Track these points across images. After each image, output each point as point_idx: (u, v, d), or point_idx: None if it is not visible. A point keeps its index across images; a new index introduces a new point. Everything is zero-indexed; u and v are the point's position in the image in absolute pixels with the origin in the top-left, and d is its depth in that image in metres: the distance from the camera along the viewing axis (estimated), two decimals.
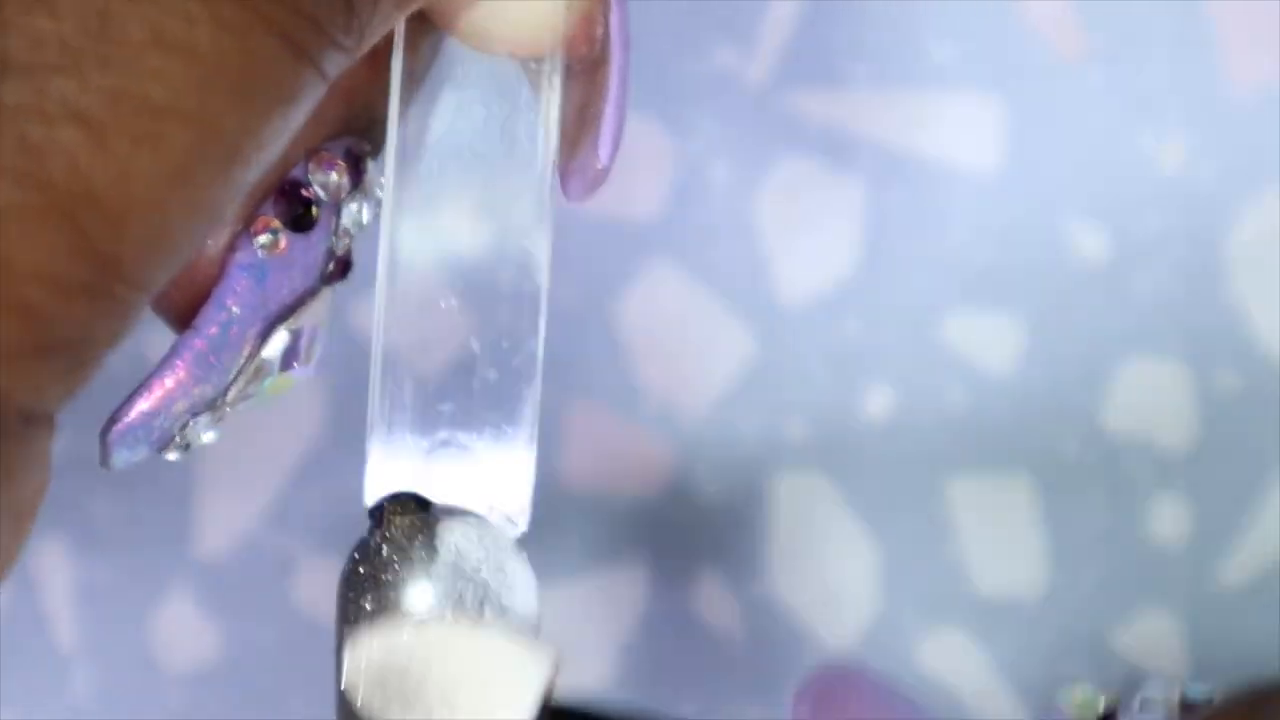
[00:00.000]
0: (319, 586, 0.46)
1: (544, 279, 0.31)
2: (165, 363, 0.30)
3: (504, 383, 0.32)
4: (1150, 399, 0.45)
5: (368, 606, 0.31)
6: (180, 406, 0.30)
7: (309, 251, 0.30)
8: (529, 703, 0.31)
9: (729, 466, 0.46)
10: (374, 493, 0.31)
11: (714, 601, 0.46)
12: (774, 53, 0.46)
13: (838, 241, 0.46)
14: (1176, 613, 0.45)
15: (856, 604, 0.45)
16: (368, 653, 0.31)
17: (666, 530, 0.46)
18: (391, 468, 0.31)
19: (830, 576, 0.45)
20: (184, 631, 0.46)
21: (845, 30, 0.46)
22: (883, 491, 0.45)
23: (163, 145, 0.25)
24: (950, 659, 0.45)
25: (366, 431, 0.31)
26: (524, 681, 0.31)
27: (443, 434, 0.31)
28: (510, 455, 0.32)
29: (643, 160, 0.46)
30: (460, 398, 0.31)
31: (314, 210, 0.30)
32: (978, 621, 0.45)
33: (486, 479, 0.32)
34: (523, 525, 0.32)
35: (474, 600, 0.31)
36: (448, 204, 0.31)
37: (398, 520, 0.31)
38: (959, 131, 0.45)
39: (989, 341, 0.45)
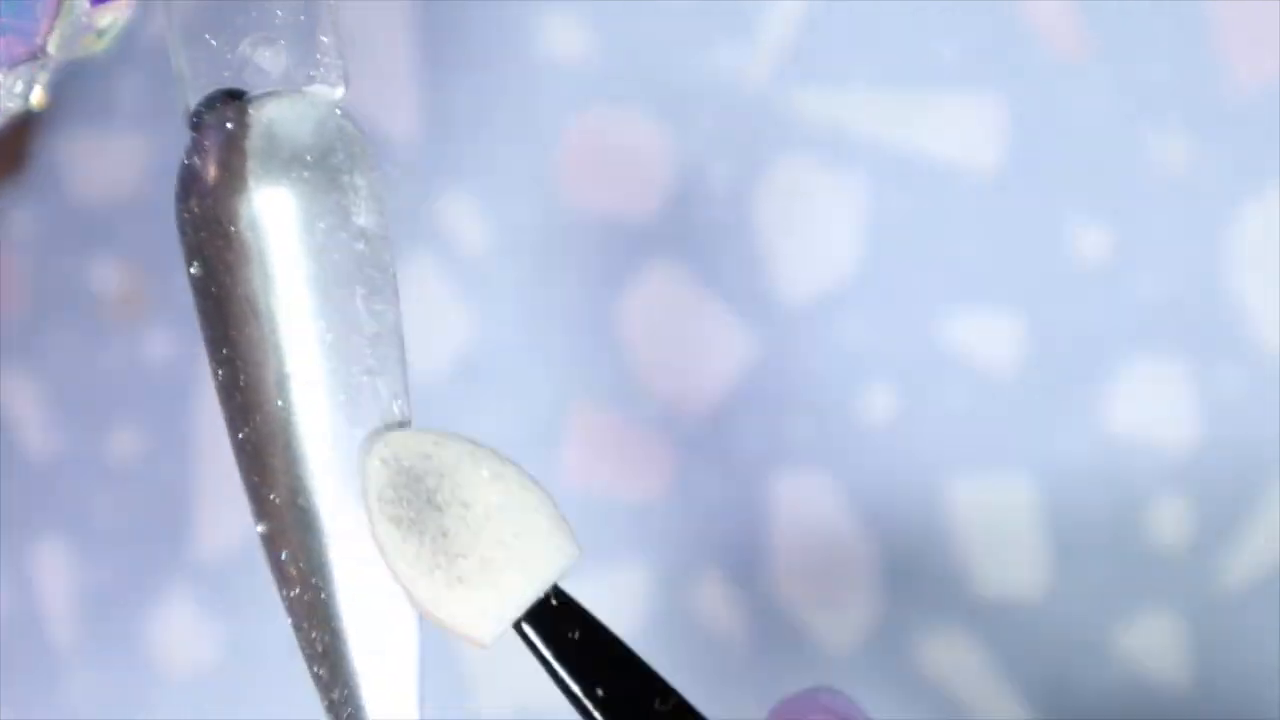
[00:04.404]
0: None
1: None
2: None
3: None
4: (1151, 399, 0.45)
5: (195, 209, 0.30)
6: None
7: None
8: (554, 569, 0.30)
9: (729, 466, 0.46)
10: (187, 103, 0.30)
11: (714, 601, 0.46)
12: (774, 53, 0.46)
13: (838, 241, 0.46)
14: (1178, 613, 0.45)
15: (856, 604, 0.45)
16: (394, 449, 0.30)
17: (666, 530, 0.46)
18: (200, 74, 0.30)
19: (830, 576, 0.45)
20: (183, 632, 0.46)
21: (845, 30, 0.46)
22: (883, 491, 0.45)
23: None
24: (951, 659, 0.45)
25: (171, 51, 0.30)
26: (554, 547, 0.30)
27: (240, 25, 0.30)
28: (312, 25, 0.30)
29: (643, 160, 0.46)
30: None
31: None
32: (978, 622, 0.45)
33: (297, 62, 0.30)
34: (340, 88, 0.31)
35: (311, 164, 0.30)
36: None
37: (210, 115, 0.30)
38: (959, 131, 0.45)
39: (989, 341, 0.45)
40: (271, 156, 0.30)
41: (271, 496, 0.30)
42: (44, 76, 0.30)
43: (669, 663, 0.46)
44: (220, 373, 0.30)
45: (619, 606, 0.46)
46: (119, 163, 0.47)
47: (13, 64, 0.29)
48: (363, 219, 0.30)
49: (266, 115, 0.30)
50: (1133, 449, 0.45)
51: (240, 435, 0.30)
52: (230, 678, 0.46)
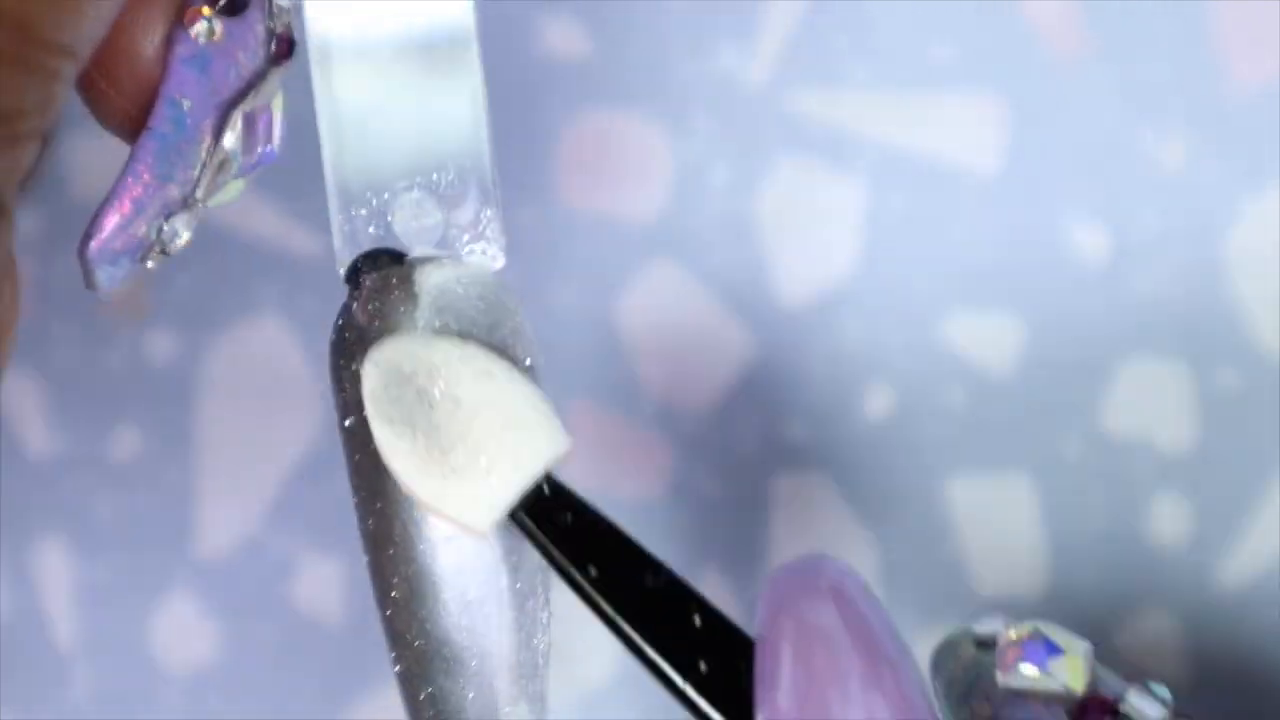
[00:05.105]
0: (319, 586, 0.46)
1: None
2: (127, 170, 0.30)
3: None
4: (1150, 399, 0.45)
5: (358, 369, 0.30)
6: (152, 211, 0.30)
7: (248, 33, 0.30)
8: (543, 459, 0.31)
9: (729, 466, 0.46)
10: (345, 258, 0.31)
11: (714, 601, 0.46)
12: (774, 53, 0.46)
13: (838, 241, 0.46)
14: (1176, 613, 0.45)
15: None
16: (386, 354, 0.30)
17: (666, 530, 0.46)
18: (359, 230, 0.31)
19: None
20: (184, 631, 0.46)
21: (845, 30, 0.46)
22: (883, 491, 0.45)
23: None
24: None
25: (329, 204, 0.30)
26: (543, 437, 0.31)
27: (403, 186, 0.31)
28: (472, 192, 0.31)
29: (643, 160, 0.46)
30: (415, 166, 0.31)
31: None
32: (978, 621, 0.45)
33: (455, 226, 0.31)
34: (500, 259, 0.31)
35: (471, 337, 0.30)
36: None
37: (373, 276, 0.30)
38: (959, 131, 0.45)
39: (989, 341, 0.45)
40: (444, 329, 0.30)
41: (417, 643, 0.31)
42: (194, 220, 0.31)
43: None
44: (371, 523, 0.31)
45: None
46: (119, 163, 0.47)
47: (172, 212, 0.30)
48: None
49: (435, 284, 0.30)
50: (1132, 449, 0.45)
51: (389, 585, 0.31)
52: (230, 677, 0.46)
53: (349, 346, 0.30)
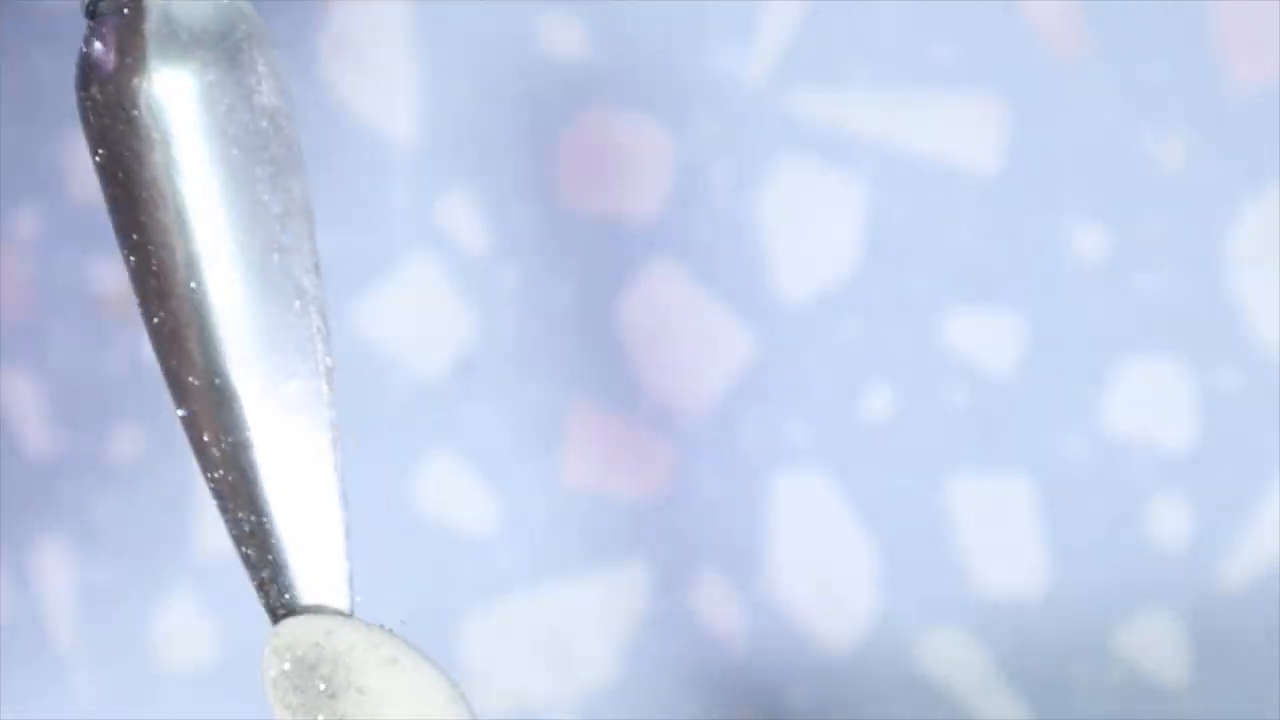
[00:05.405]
0: None
1: None
2: None
3: None
4: (1151, 398, 0.45)
5: (97, 95, 0.30)
6: None
7: None
8: None
9: (729, 466, 0.46)
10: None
11: (714, 601, 0.46)
12: (774, 53, 0.46)
13: (838, 241, 0.46)
14: (1177, 613, 0.45)
15: (856, 604, 0.45)
16: (287, 641, 0.30)
17: (666, 530, 0.46)
18: None
19: (830, 576, 0.45)
20: (184, 632, 0.46)
21: (845, 30, 0.46)
22: (883, 491, 0.45)
23: None
24: (950, 659, 0.45)
25: None
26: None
27: None
28: None
29: (643, 160, 0.46)
30: None
31: None
32: (978, 621, 0.45)
33: None
34: None
35: (210, 45, 0.30)
36: None
37: (106, 2, 0.30)
38: (959, 131, 0.45)
39: (989, 341, 0.45)
40: (170, 39, 0.30)
41: (190, 379, 0.30)
42: None
43: (669, 663, 0.46)
44: (132, 259, 0.30)
45: (619, 606, 0.46)
46: None
47: None
48: (265, 97, 0.30)
49: None
50: (1132, 449, 0.45)
51: (155, 320, 0.30)
52: (230, 676, 0.46)
53: (86, 76, 0.30)
